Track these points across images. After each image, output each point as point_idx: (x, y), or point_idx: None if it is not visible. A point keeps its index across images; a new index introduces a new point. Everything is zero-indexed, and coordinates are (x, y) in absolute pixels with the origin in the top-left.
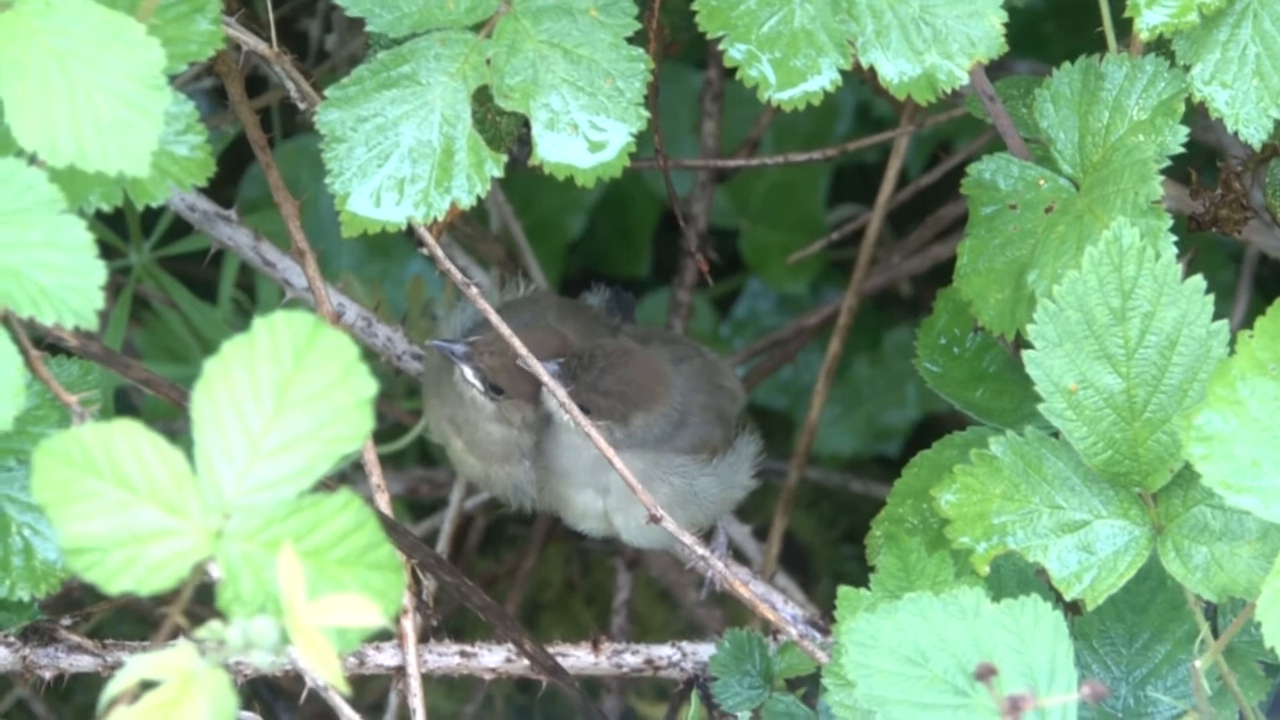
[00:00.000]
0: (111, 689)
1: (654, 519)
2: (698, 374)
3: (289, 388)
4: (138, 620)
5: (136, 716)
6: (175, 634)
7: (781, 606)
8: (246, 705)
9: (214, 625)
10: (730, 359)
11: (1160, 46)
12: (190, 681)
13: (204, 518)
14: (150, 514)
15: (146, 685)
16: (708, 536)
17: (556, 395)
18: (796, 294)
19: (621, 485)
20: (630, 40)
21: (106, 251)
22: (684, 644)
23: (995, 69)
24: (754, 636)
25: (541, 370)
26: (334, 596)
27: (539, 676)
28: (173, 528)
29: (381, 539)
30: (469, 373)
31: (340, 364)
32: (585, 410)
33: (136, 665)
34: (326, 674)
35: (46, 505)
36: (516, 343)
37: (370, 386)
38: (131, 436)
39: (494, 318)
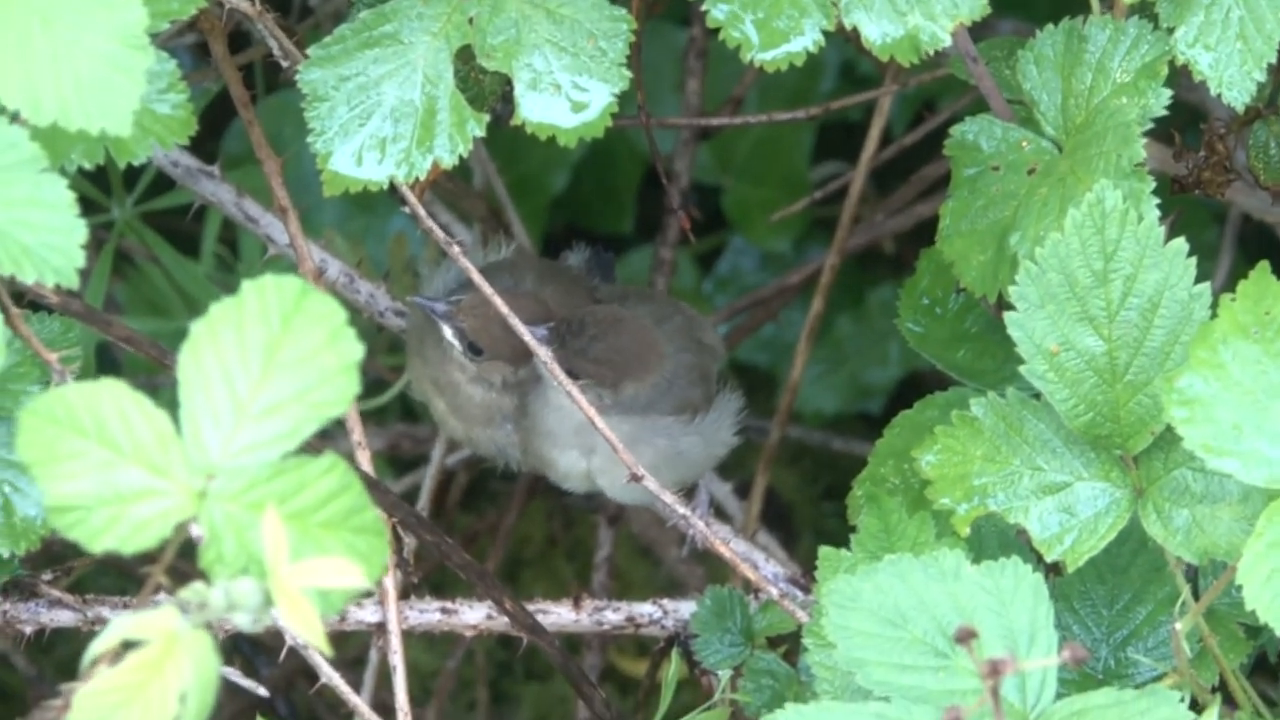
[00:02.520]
0: (94, 649)
1: (635, 478)
2: (680, 332)
3: (276, 351)
4: (119, 574)
5: (119, 677)
6: (157, 590)
7: (763, 565)
8: (227, 660)
9: (197, 586)
10: (712, 316)
11: (1144, 9)
12: (173, 642)
13: (188, 478)
14: (135, 474)
15: (129, 645)
16: (689, 494)
17: (541, 357)
18: (779, 251)
19: (607, 447)
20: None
21: (88, 206)
22: (665, 601)
23: (979, 29)
24: (735, 594)
25: (525, 331)
26: (317, 559)
27: (519, 634)
28: (157, 488)
29: (366, 502)
30: (449, 332)
31: (327, 328)
32: (573, 376)
33: (119, 626)
34: (309, 636)
35: (31, 464)
36: (500, 304)
37: (356, 350)
38: (117, 396)
39: (477, 277)
